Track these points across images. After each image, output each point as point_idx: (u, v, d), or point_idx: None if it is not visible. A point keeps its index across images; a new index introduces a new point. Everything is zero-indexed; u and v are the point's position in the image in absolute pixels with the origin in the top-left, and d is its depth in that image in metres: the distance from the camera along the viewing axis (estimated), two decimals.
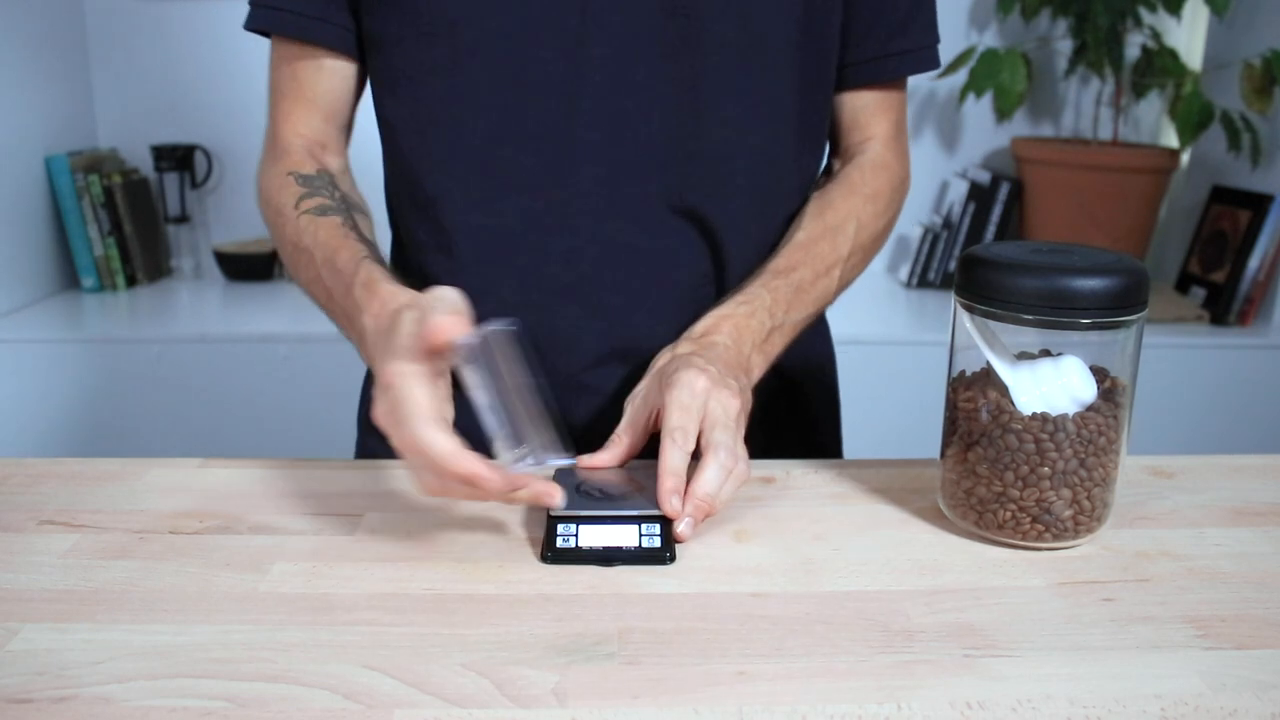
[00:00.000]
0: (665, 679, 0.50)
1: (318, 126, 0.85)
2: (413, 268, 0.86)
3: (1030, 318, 0.61)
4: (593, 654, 0.52)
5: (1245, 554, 0.64)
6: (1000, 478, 0.63)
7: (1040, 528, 0.63)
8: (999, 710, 0.48)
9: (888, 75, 0.86)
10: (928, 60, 0.87)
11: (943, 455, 0.68)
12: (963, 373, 0.67)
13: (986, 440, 0.64)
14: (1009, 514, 0.64)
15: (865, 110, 0.88)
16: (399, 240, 0.89)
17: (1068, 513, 0.63)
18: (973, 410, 0.64)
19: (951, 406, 0.67)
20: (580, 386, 0.83)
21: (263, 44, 0.86)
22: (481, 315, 0.79)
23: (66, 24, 2.07)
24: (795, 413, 0.92)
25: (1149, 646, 0.54)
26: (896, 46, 0.85)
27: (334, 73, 0.84)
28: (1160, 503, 0.71)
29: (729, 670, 0.51)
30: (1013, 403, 0.62)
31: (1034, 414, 0.62)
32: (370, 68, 0.84)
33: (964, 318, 0.65)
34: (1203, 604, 0.58)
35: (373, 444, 0.92)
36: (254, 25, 0.83)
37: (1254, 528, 0.68)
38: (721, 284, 0.84)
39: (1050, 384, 0.62)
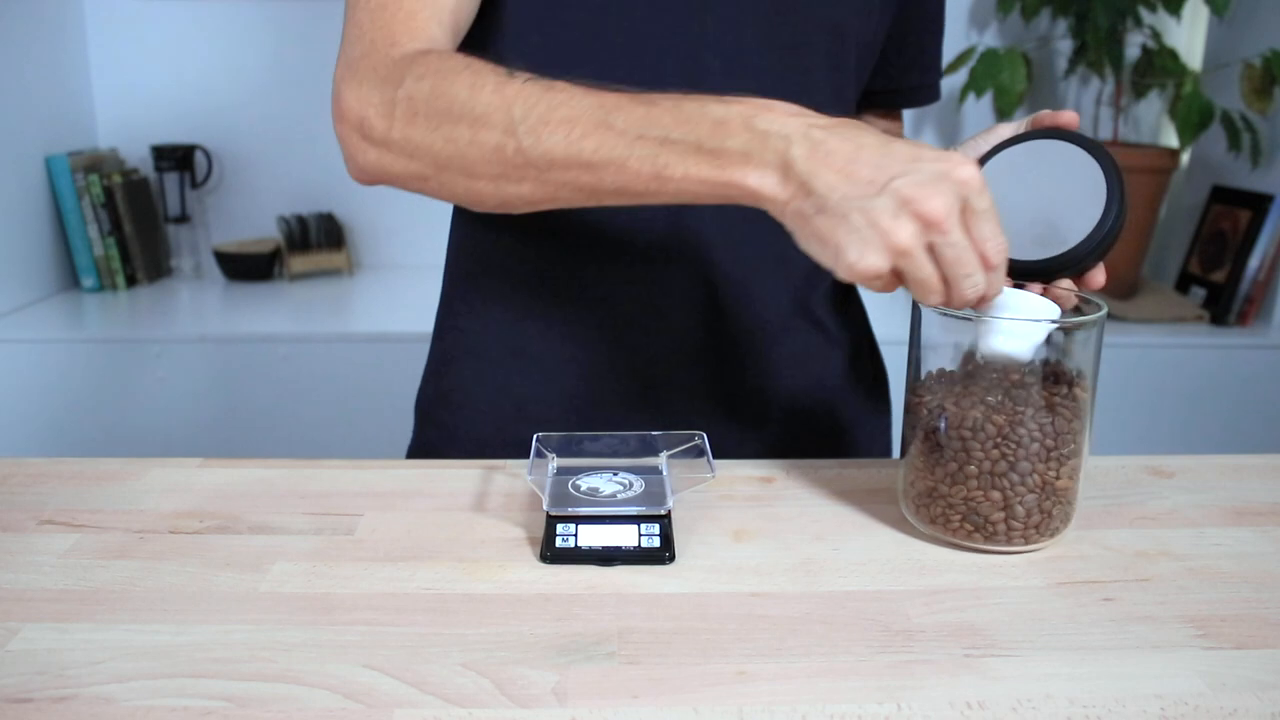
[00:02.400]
0: (665, 679, 0.50)
1: (449, 43, 0.71)
2: (498, 233, 0.82)
3: (990, 317, 0.62)
4: (593, 654, 0.52)
5: (1245, 554, 0.64)
6: (932, 473, 0.64)
7: (969, 528, 0.63)
8: (999, 710, 0.48)
9: (918, 103, 0.96)
10: (938, 94, 0.97)
11: (902, 452, 0.68)
12: (930, 373, 0.67)
13: (923, 434, 0.65)
14: (939, 510, 0.64)
15: (884, 124, 0.97)
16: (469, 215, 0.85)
17: (997, 515, 0.63)
18: (916, 404, 0.65)
19: (906, 401, 0.68)
20: (670, 375, 0.84)
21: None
22: (584, 281, 0.81)
23: (66, 24, 2.07)
24: (844, 413, 0.92)
25: (1149, 646, 0.54)
26: (929, 80, 0.94)
27: None
28: (1160, 503, 0.72)
29: (729, 670, 0.51)
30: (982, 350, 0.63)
31: (972, 408, 0.62)
32: (490, 24, 0.74)
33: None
34: (1203, 604, 0.58)
35: (431, 436, 0.92)
36: None
37: (1254, 528, 0.68)
38: (803, 270, 0.84)
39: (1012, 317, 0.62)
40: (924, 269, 0.56)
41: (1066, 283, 0.68)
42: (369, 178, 0.69)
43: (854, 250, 0.55)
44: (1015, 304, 0.62)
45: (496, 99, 0.61)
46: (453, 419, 0.89)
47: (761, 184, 0.57)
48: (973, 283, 0.57)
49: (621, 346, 0.83)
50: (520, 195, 0.64)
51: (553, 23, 0.77)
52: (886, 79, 0.91)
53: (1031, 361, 0.62)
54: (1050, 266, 0.66)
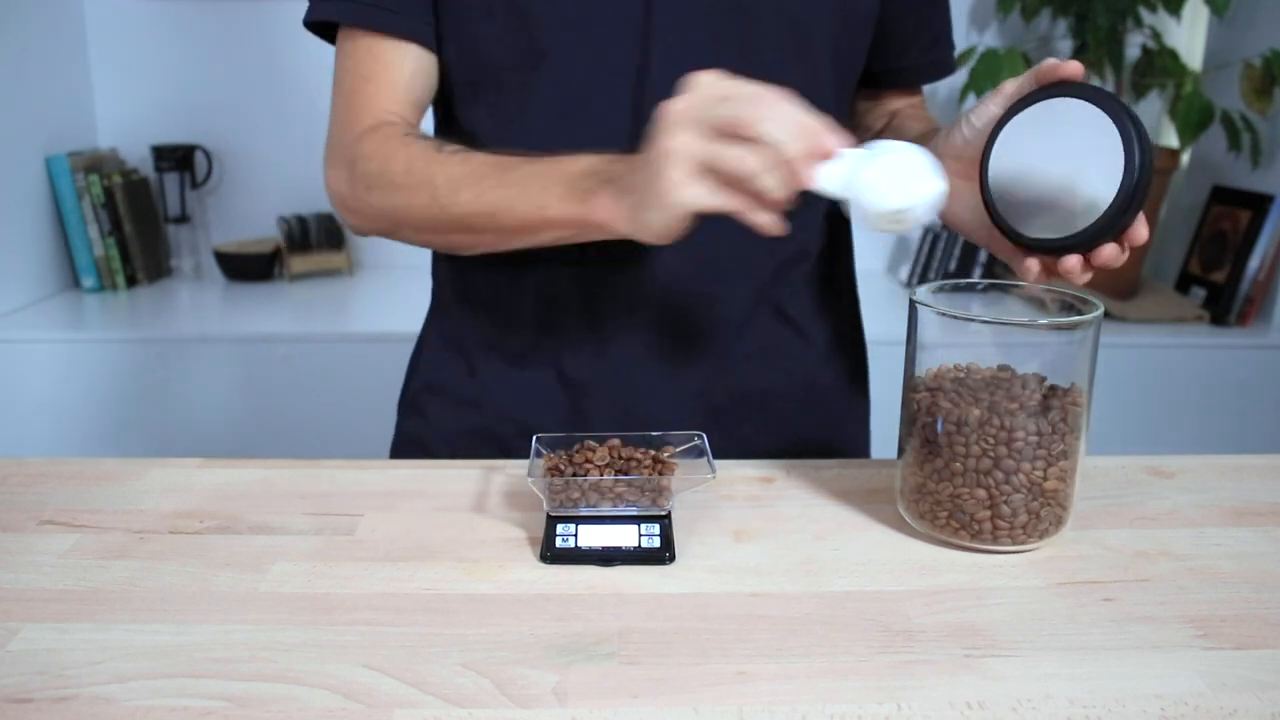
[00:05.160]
0: (665, 679, 0.50)
1: (408, 113, 0.82)
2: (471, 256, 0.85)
3: (986, 318, 0.61)
4: (593, 654, 0.52)
5: (1245, 554, 0.64)
6: (921, 468, 0.64)
7: (955, 524, 0.63)
8: (999, 710, 0.48)
9: (927, 79, 0.95)
10: (952, 66, 0.96)
11: (900, 449, 0.69)
12: (927, 370, 0.66)
13: (916, 431, 0.65)
14: (928, 506, 0.64)
15: (903, 103, 0.96)
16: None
17: (983, 513, 0.63)
18: (911, 400, 0.66)
19: (903, 398, 0.68)
20: (634, 375, 0.84)
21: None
22: (544, 293, 0.84)
23: (66, 24, 2.07)
24: (818, 411, 0.92)
25: (1149, 646, 0.54)
26: (934, 56, 0.94)
27: (419, 62, 0.81)
28: (1160, 503, 0.71)
29: (729, 670, 0.51)
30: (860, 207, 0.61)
31: (963, 406, 0.62)
32: (450, 77, 0.82)
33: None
34: (1203, 604, 0.58)
35: (413, 426, 0.93)
36: (324, 15, 0.80)
37: (1254, 528, 0.68)
38: (770, 269, 0.85)
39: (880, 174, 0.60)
40: (730, 155, 0.59)
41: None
42: (360, 233, 0.83)
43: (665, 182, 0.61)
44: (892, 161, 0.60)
45: (424, 171, 0.74)
46: (430, 412, 0.91)
47: (600, 213, 0.67)
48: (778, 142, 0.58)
49: (586, 349, 0.84)
50: (454, 243, 0.78)
51: (496, 32, 0.78)
52: (889, 58, 0.91)
53: (918, 225, 0.61)
54: (1086, 238, 0.64)
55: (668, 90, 0.78)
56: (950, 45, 0.95)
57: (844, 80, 0.87)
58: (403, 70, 0.81)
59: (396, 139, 0.77)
